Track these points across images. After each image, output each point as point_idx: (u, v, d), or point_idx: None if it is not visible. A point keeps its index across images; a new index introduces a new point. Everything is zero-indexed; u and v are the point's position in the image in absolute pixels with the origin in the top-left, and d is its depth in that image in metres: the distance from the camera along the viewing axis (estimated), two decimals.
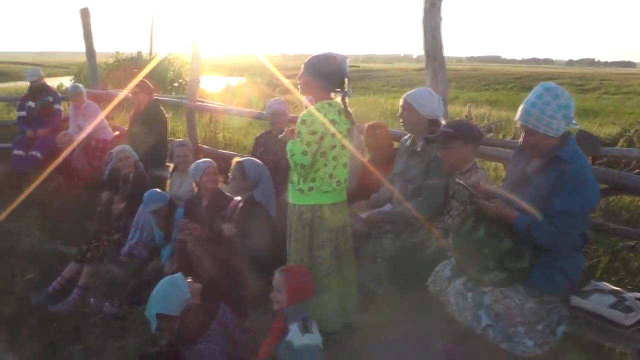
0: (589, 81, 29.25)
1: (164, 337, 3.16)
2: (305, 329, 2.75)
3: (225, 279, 3.54)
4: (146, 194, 4.54)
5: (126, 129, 6.57)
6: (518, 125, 2.67)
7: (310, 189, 3.03)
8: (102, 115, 6.52)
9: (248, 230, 3.76)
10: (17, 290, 4.78)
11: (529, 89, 2.87)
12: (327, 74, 2.95)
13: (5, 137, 7.48)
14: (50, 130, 6.57)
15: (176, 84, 16.55)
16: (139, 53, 18.21)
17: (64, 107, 7.10)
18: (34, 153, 6.39)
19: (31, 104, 6.72)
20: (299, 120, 2.96)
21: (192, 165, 4.37)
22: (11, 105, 9.56)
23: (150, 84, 6.13)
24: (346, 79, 2.96)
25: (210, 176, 4.26)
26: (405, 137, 3.64)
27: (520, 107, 2.62)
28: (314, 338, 2.75)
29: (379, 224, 3.41)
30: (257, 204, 3.85)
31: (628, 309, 2.53)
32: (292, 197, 3.14)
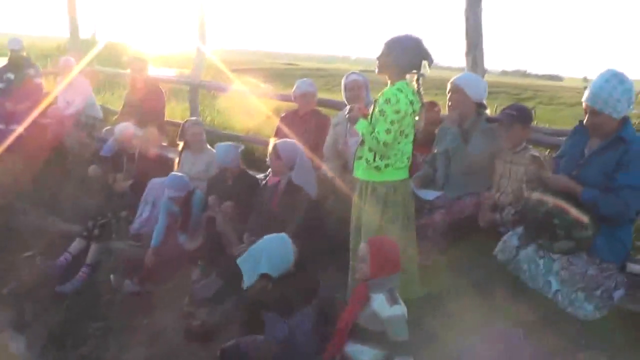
0: (524, 91, 30.91)
1: (257, 298, 3.08)
2: (392, 300, 2.80)
3: None
4: (169, 178, 4.47)
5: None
6: (584, 105, 2.97)
7: (387, 165, 3.18)
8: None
9: (289, 213, 3.86)
10: (20, 267, 4.64)
11: None
12: (407, 55, 3.10)
13: None
14: (30, 105, 6.31)
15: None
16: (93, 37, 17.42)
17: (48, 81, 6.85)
18: (14, 127, 6.12)
19: (10, 75, 6.44)
20: (381, 99, 3.11)
21: (221, 150, 4.42)
22: None
23: (144, 60, 6.04)
24: (424, 61, 3.13)
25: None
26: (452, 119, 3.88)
27: (588, 90, 2.92)
28: (401, 309, 2.81)
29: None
30: (294, 188, 3.94)
31: None
32: (364, 174, 3.27)
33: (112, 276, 4.36)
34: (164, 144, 5.86)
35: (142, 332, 3.96)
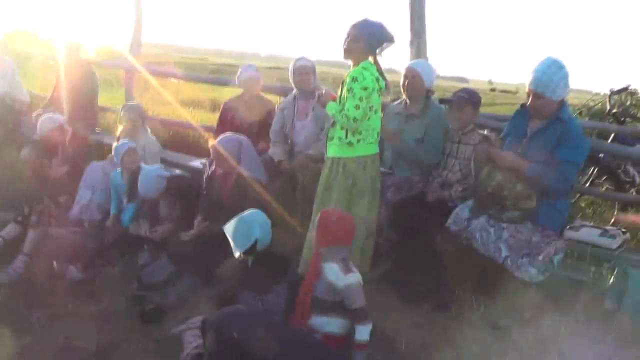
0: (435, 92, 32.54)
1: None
2: (346, 269, 2.90)
3: None
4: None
5: None
6: (528, 90, 3.25)
7: (359, 141, 3.35)
8: None
9: (239, 204, 3.85)
10: None
11: None
12: (374, 39, 3.29)
13: None
14: None
15: None
16: None
17: None
18: None
19: None
20: (348, 79, 3.27)
21: (144, 182, 4.19)
22: None
23: (77, 43, 5.80)
24: (385, 43, 3.32)
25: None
26: (397, 101, 4.09)
27: (531, 75, 3.20)
28: (356, 276, 2.90)
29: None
30: (244, 181, 3.93)
31: (612, 237, 3.26)
32: (335, 151, 3.42)
33: (54, 263, 4.18)
34: (98, 130, 5.72)
35: (91, 318, 3.84)
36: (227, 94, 11.31)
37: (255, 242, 3.15)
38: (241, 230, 3.15)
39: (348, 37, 3.32)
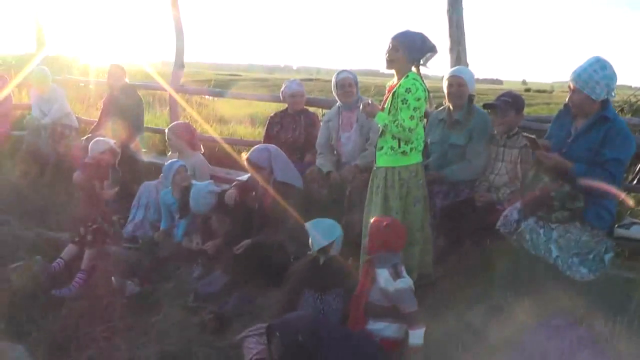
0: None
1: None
2: (396, 274, 3.19)
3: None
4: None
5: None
6: (571, 86, 3.54)
7: (412, 150, 3.65)
8: None
9: (283, 212, 4.26)
10: (11, 278, 4.77)
11: None
12: (416, 49, 3.59)
13: None
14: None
15: None
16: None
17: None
18: None
19: None
20: (401, 90, 3.54)
21: (195, 197, 4.61)
22: None
23: (121, 67, 6.34)
24: (429, 53, 3.62)
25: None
26: (439, 108, 4.42)
27: (573, 70, 3.49)
28: (407, 281, 3.19)
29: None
30: (282, 186, 4.37)
31: None
32: (388, 161, 3.69)
33: (113, 278, 4.61)
34: (144, 150, 6.21)
35: (151, 331, 4.21)
36: (262, 108, 11.84)
37: (333, 242, 3.51)
38: (324, 227, 3.54)
39: (389, 47, 3.62)
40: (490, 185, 4.00)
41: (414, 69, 3.64)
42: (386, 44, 3.65)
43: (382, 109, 3.70)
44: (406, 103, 3.52)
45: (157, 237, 4.97)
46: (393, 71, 3.68)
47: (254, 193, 4.64)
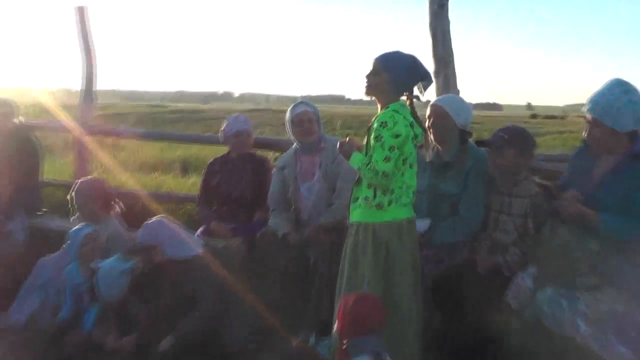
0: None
1: None
2: None
3: None
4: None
5: None
6: (588, 117, 3.47)
7: (390, 202, 3.47)
8: None
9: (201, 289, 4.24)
10: None
11: None
12: (404, 74, 3.48)
13: None
14: None
15: None
16: None
17: None
18: None
19: None
20: (376, 124, 3.42)
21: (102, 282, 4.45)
22: None
23: (10, 103, 6.08)
24: (421, 82, 3.51)
25: None
26: (428, 150, 4.31)
27: (589, 98, 3.44)
28: None
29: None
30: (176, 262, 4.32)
31: None
32: (362, 216, 3.54)
33: None
34: (41, 211, 5.97)
35: None
36: (196, 151, 11.59)
37: None
38: None
39: (370, 70, 3.51)
40: (494, 244, 3.86)
41: (405, 99, 3.54)
42: (363, 65, 3.58)
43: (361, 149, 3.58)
44: (380, 140, 3.39)
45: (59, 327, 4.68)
46: (372, 98, 3.60)
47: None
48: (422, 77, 3.53)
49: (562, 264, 3.38)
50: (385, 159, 3.36)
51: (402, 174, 3.49)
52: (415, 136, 3.51)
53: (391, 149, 3.37)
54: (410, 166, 3.53)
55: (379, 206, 3.48)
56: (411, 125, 3.47)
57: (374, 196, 3.48)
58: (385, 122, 3.39)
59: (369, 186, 3.49)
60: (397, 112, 3.43)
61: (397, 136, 3.38)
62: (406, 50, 3.56)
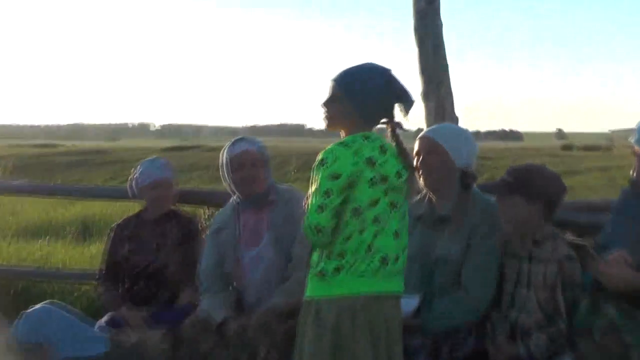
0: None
1: None
2: None
3: None
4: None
5: None
6: (636, 149, 3.51)
7: (338, 269, 3.33)
8: None
9: None
10: None
11: None
12: (373, 97, 3.42)
13: None
14: None
15: None
16: None
17: None
18: None
19: None
20: (315, 163, 3.35)
21: None
22: None
23: None
24: (399, 104, 3.45)
25: None
26: (416, 199, 4.24)
27: (638, 124, 3.48)
28: None
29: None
30: None
31: None
32: (309, 288, 3.46)
33: None
34: None
35: None
36: (99, 209, 11.48)
37: None
38: None
39: (330, 95, 3.46)
40: (512, 329, 3.81)
41: (386, 127, 3.49)
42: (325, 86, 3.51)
43: None
44: (315, 184, 3.34)
45: None
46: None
47: None
48: (397, 97, 3.48)
49: (608, 354, 3.33)
50: (318, 207, 3.30)
51: (361, 232, 3.38)
52: (384, 178, 3.38)
53: (327, 193, 3.30)
54: (375, 221, 3.39)
55: (321, 274, 3.38)
56: (369, 163, 3.34)
57: (318, 260, 3.42)
58: (324, 159, 3.34)
59: (314, 247, 3.45)
60: (347, 145, 3.35)
61: (335, 177, 3.30)
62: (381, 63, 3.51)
